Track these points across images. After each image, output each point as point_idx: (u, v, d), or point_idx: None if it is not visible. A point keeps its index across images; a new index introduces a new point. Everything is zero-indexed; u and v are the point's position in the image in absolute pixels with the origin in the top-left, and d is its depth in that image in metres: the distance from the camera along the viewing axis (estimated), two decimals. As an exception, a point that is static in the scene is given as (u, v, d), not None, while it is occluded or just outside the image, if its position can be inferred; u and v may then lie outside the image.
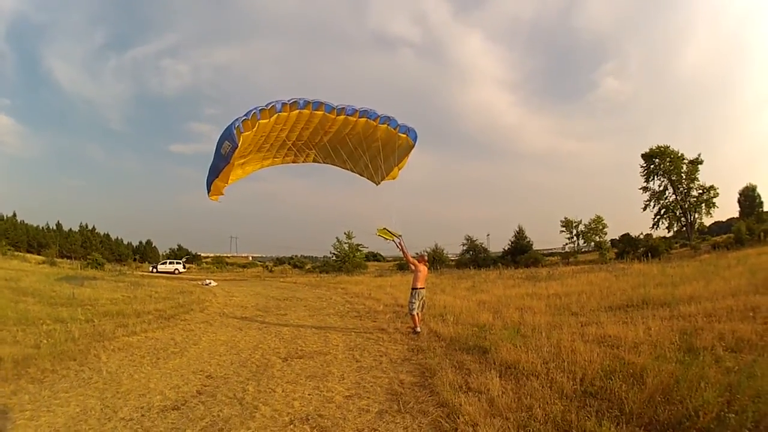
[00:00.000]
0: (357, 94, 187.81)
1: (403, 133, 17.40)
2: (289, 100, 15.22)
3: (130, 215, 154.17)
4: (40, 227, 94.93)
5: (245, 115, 14.47)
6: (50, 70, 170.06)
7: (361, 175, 19.36)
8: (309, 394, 8.41)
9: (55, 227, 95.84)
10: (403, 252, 16.03)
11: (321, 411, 7.46)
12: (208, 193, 16.87)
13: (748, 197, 71.36)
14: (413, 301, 14.77)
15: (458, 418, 6.71)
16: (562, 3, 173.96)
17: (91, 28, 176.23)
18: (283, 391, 8.59)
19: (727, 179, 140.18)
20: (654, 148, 71.61)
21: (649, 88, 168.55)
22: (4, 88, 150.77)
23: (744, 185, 73.45)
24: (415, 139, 17.83)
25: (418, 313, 14.74)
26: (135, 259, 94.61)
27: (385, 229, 16.27)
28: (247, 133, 14.55)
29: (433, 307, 18.90)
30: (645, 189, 73.11)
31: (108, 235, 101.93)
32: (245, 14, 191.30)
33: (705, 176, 69.17)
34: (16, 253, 73.88)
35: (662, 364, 8.04)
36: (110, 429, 6.76)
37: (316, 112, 15.83)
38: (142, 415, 7.27)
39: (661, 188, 72.04)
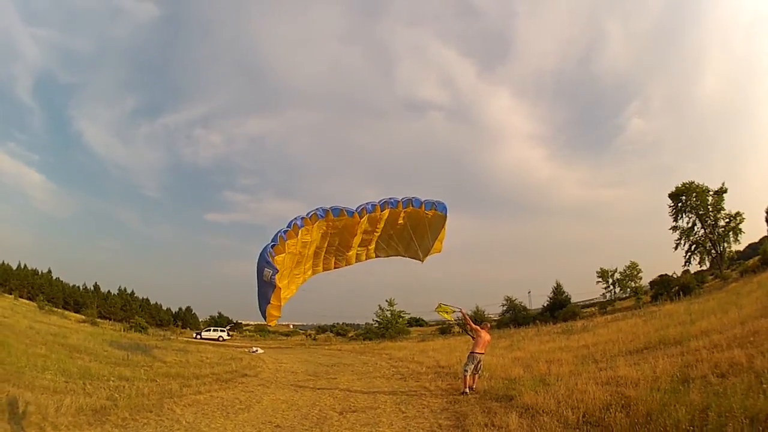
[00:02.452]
0: (391, 161, 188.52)
1: (430, 209, 18.30)
2: (308, 214, 16.58)
3: (166, 281, 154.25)
4: (77, 286, 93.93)
5: (274, 240, 15.77)
6: (81, 132, 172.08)
7: (404, 256, 20.39)
8: None
9: (92, 288, 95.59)
10: (466, 320, 16.99)
11: None
12: (265, 319, 17.32)
13: None
14: (468, 363, 15.37)
15: None
16: (581, 51, 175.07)
17: (121, 93, 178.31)
18: None
19: (760, 199, 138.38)
20: (680, 186, 70.12)
21: (673, 122, 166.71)
22: (33, 144, 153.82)
23: None
24: (444, 210, 18.61)
25: (469, 376, 15.23)
26: (177, 325, 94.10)
27: (441, 305, 17.46)
28: (279, 256, 15.69)
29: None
30: (674, 228, 71.14)
31: (147, 299, 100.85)
32: (276, 86, 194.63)
33: (736, 201, 67.97)
34: (54, 309, 73.82)
35: (655, 394, 9.62)
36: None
37: (338, 219, 17.04)
38: (228, 454, 8.97)
39: (689, 224, 70.05)
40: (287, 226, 16.02)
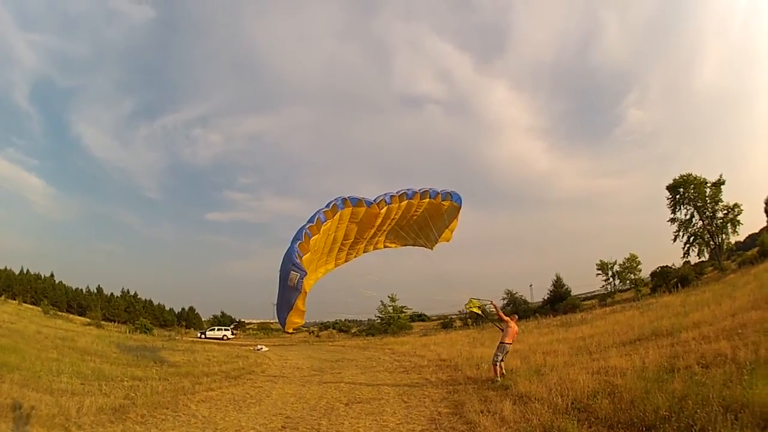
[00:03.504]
0: (390, 156, 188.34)
1: (446, 199, 18.59)
2: (328, 205, 16.29)
3: (169, 282, 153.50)
4: (80, 290, 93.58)
5: (299, 237, 15.15)
6: (79, 135, 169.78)
7: (414, 245, 20.84)
8: (369, 425, 11.06)
9: (96, 291, 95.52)
10: (498, 311, 17.76)
11: None
12: (284, 327, 17.07)
13: None
14: (499, 354, 15.86)
15: (477, 429, 9.38)
16: (578, 42, 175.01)
17: (119, 95, 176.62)
18: (349, 424, 11.26)
19: (758, 189, 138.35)
20: (677, 178, 70.08)
21: (672, 112, 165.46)
22: (32, 149, 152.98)
23: None
24: (459, 201, 18.88)
25: (501, 365, 15.79)
26: (182, 325, 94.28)
27: (472, 300, 18.10)
28: (306, 256, 15.14)
29: (471, 358, 21.27)
30: (673, 220, 70.99)
31: (150, 301, 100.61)
32: (273, 84, 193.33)
33: (736, 191, 67.44)
34: (59, 313, 74.10)
35: (640, 383, 10.34)
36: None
37: (357, 209, 16.82)
38: (244, 442, 9.75)
39: (688, 216, 69.90)
40: (310, 221, 15.68)
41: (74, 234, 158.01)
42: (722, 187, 66.20)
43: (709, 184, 67.17)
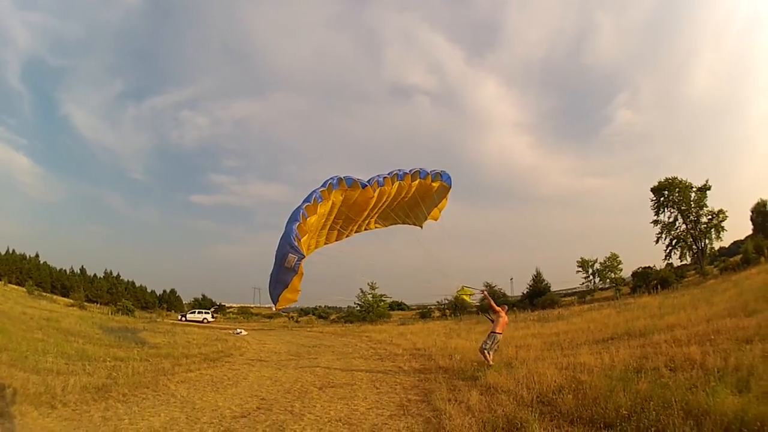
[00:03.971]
0: (377, 146, 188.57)
1: (436, 180, 18.91)
2: (325, 184, 16.22)
3: (152, 263, 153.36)
4: (64, 270, 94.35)
5: (296, 218, 15.01)
6: (68, 115, 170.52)
7: (403, 224, 20.96)
8: (340, 408, 11.49)
9: (79, 271, 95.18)
10: (490, 301, 17.79)
11: (349, 416, 10.61)
12: (276, 304, 16.60)
13: (760, 213, 69.25)
14: (487, 342, 16.15)
15: (443, 416, 9.83)
16: (572, 41, 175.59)
17: (109, 76, 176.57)
18: (321, 406, 11.70)
19: (747, 197, 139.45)
20: (662, 180, 70.62)
21: (662, 116, 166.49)
22: (21, 129, 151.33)
23: (756, 201, 70.84)
24: (449, 181, 19.26)
25: (489, 354, 16.01)
26: (163, 307, 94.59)
27: (464, 287, 18.62)
28: (304, 237, 15.36)
29: (445, 348, 21.64)
30: (656, 222, 71.42)
31: (133, 282, 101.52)
32: (263, 70, 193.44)
33: (723, 198, 67.96)
34: (43, 294, 75.27)
35: (606, 380, 10.75)
36: (198, 429, 9.61)
37: (351, 190, 16.77)
38: (220, 421, 10.17)
39: (671, 219, 70.47)
40: (307, 200, 15.62)
41: (60, 214, 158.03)
42: (708, 192, 66.94)
43: (694, 189, 67.70)
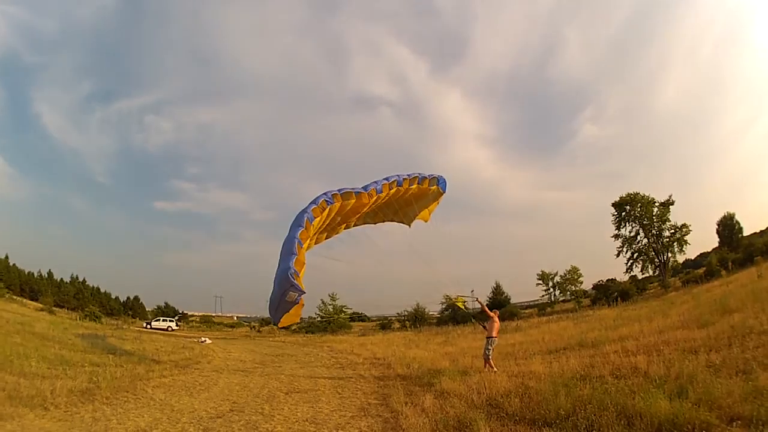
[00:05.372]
0: (339, 156, 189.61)
1: (432, 184, 19.52)
2: (316, 201, 16.84)
3: (114, 269, 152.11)
4: (32, 273, 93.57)
5: (291, 251, 15.66)
6: (39, 114, 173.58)
7: (392, 221, 21.48)
8: (306, 410, 12.64)
9: (47, 275, 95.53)
10: (483, 307, 18.83)
11: (315, 417, 11.78)
12: (277, 324, 18.04)
13: (726, 226, 71.16)
14: (489, 347, 17.21)
15: (400, 416, 11.12)
16: (538, 55, 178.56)
17: (80, 76, 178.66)
18: (288, 409, 12.82)
19: (712, 210, 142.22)
20: (624, 196, 71.70)
21: (627, 130, 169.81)
22: None
23: (722, 215, 72.92)
24: (444, 186, 19.83)
25: (491, 358, 17.09)
26: (129, 314, 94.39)
27: (459, 297, 19.74)
28: (297, 265, 15.73)
29: (404, 358, 22.73)
30: (617, 236, 72.56)
31: (98, 288, 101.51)
32: (229, 75, 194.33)
33: (691, 211, 68.76)
34: (14, 297, 74.52)
35: (551, 386, 11.75)
36: (180, 427, 10.59)
37: (346, 202, 17.39)
38: (198, 421, 11.17)
39: (632, 233, 71.59)
40: (299, 224, 16.25)
41: (26, 215, 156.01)
42: (671, 207, 68.56)
43: (657, 204, 69.21)
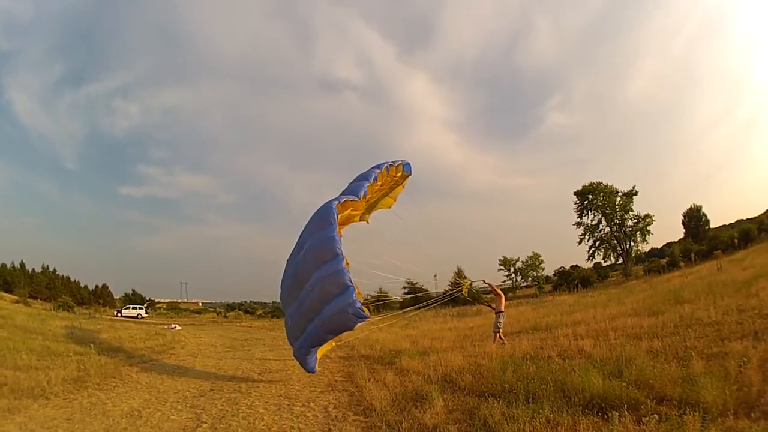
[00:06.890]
0: (304, 139, 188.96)
1: (398, 171, 18.14)
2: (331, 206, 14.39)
3: (82, 257, 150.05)
4: (5, 265, 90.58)
5: (348, 286, 12.60)
6: (11, 100, 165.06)
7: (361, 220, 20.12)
8: (279, 387, 14.18)
9: (19, 266, 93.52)
10: (491, 286, 19.77)
11: (288, 393, 13.29)
12: (314, 371, 15.11)
13: (693, 218, 71.88)
14: (500, 321, 18.09)
15: (364, 390, 12.66)
16: (506, 42, 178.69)
17: (50, 59, 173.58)
18: (263, 387, 14.34)
19: (681, 201, 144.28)
20: (587, 185, 72.15)
21: (595, 118, 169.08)
22: None
23: (689, 206, 73.93)
24: (409, 170, 18.53)
25: (500, 332, 18.04)
26: (99, 303, 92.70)
27: (468, 283, 20.58)
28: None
29: (367, 340, 24.16)
30: (579, 224, 73.29)
31: (68, 277, 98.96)
32: (195, 56, 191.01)
33: (658, 201, 68.63)
34: None
35: (501, 364, 13.12)
36: (169, 406, 11.90)
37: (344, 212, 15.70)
38: (184, 399, 12.52)
39: (595, 222, 72.13)
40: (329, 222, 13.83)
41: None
42: (634, 197, 69.59)
43: (620, 194, 70.23)
